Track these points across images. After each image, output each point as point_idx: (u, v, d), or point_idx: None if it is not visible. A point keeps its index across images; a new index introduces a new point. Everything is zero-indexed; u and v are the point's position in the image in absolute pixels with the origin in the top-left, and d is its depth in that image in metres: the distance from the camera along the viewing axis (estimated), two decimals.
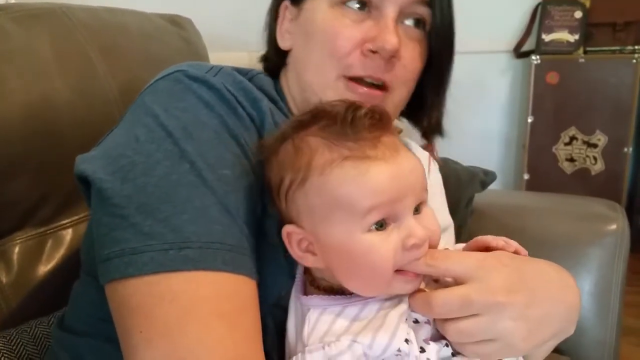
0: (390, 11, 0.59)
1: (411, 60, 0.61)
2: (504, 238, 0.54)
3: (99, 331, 0.55)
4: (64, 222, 0.79)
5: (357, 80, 0.60)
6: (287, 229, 0.50)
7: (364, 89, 0.59)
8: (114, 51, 0.86)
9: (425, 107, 0.68)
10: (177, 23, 1.04)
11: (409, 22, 0.61)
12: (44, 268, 0.75)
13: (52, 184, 0.76)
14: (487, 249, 0.53)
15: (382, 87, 0.60)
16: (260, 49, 0.70)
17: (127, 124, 0.53)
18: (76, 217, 0.80)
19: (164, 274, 0.45)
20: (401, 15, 0.60)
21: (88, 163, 0.51)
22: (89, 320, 0.58)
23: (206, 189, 0.48)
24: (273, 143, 0.51)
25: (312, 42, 0.61)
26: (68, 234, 0.79)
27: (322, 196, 0.47)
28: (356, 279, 0.49)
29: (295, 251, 0.50)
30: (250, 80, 0.59)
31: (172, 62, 0.58)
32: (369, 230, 0.46)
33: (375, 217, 0.46)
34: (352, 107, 0.49)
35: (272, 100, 0.60)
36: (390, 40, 0.57)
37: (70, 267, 0.74)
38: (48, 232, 0.77)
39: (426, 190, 0.50)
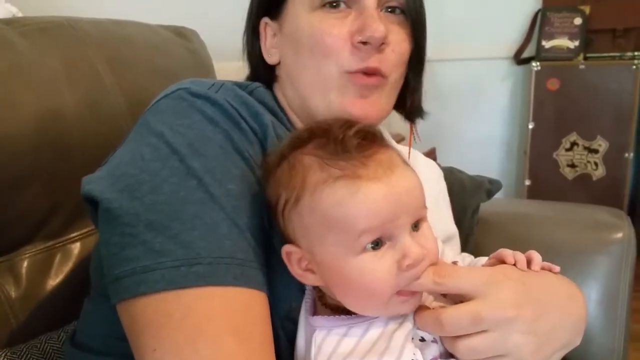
0: (370, 2, 0.60)
1: (399, 43, 0.62)
2: (530, 253, 0.54)
3: (114, 350, 0.55)
4: (73, 235, 0.79)
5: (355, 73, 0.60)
6: (285, 248, 0.50)
7: (362, 78, 0.60)
8: (121, 63, 0.87)
9: (407, 89, 0.68)
10: (183, 35, 1.04)
11: (389, 9, 0.62)
12: (53, 282, 0.75)
13: (61, 197, 0.75)
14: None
15: (377, 74, 0.61)
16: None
17: (132, 143, 0.53)
18: (85, 230, 0.80)
19: (175, 291, 0.45)
20: (380, 5, 0.61)
21: (94, 184, 0.52)
22: (104, 339, 0.58)
23: (214, 204, 0.48)
24: (271, 161, 0.51)
25: (303, 49, 0.61)
26: (77, 248, 0.78)
27: (315, 216, 0.47)
28: (353, 299, 0.49)
29: (295, 270, 0.50)
30: (250, 94, 0.59)
31: (178, 73, 0.58)
32: (364, 251, 0.46)
33: (368, 238, 0.46)
34: (345, 125, 0.49)
35: (272, 113, 0.61)
36: (378, 28, 0.58)
37: (80, 281, 0.74)
38: (57, 245, 0.77)
39: (425, 207, 0.50)
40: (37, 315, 0.72)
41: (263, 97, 0.61)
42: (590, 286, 0.95)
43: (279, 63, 0.66)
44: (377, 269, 0.46)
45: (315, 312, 0.53)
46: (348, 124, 0.49)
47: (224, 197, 0.49)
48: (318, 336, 0.49)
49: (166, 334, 0.44)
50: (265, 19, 0.66)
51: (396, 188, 0.46)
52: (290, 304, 0.54)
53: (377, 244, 0.46)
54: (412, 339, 0.49)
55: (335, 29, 0.59)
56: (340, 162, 0.46)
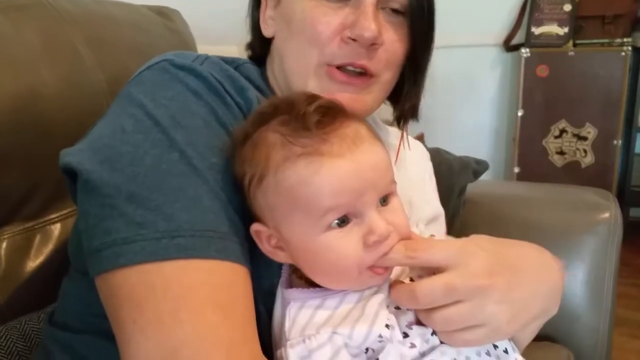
0: None
1: (392, 44, 0.60)
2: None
3: (92, 327, 0.54)
4: (52, 216, 0.77)
5: (339, 67, 0.59)
6: (254, 227, 0.49)
7: (344, 77, 0.59)
8: (102, 43, 0.85)
9: (400, 94, 0.67)
10: (165, 14, 1.03)
11: (390, 8, 0.60)
12: (32, 264, 0.74)
13: (40, 177, 0.74)
14: None
15: (364, 74, 0.59)
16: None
17: (113, 115, 0.52)
18: (65, 212, 0.78)
19: (156, 263, 0.44)
20: (380, 3, 0.59)
21: (73, 155, 0.50)
22: (82, 317, 0.57)
23: (197, 177, 0.47)
24: (236, 137, 0.50)
25: (292, 30, 0.60)
26: (56, 229, 0.77)
27: (279, 195, 0.46)
28: (323, 276, 0.48)
29: (265, 247, 0.50)
30: (236, 69, 0.58)
31: (159, 52, 0.57)
32: (329, 228, 0.46)
33: (333, 216, 0.45)
34: (307, 100, 0.47)
35: (258, 89, 0.59)
36: (369, 27, 0.56)
37: (59, 262, 0.73)
38: (36, 227, 0.75)
39: (394, 182, 0.49)
40: (16, 297, 0.71)
41: (249, 73, 0.60)
42: (576, 266, 0.96)
43: (274, 38, 0.65)
44: (343, 245, 0.46)
45: (290, 286, 0.52)
46: (311, 98, 0.48)
47: (206, 170, 0.48)
48: (292, 309, 0.49)
49: (147, 306, 0.43)
50: None
51: (361, 164, 0.46)
52: (272, 281, 0.53)
53: (343, 221, 0.46)
54: (387, 306, 0.48)
55: (327, 18, 0.58)
56: (302, 139, 0.45)
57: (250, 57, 0.69)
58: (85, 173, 0.48)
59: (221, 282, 0.46)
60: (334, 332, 0.45)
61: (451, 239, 0.68)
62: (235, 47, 0.80)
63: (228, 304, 0.45)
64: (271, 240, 0.49)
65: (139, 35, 0.93)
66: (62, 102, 0.76)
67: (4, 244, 0.72)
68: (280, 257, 0.50)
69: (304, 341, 0.45)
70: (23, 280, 0.73)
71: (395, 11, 0.60)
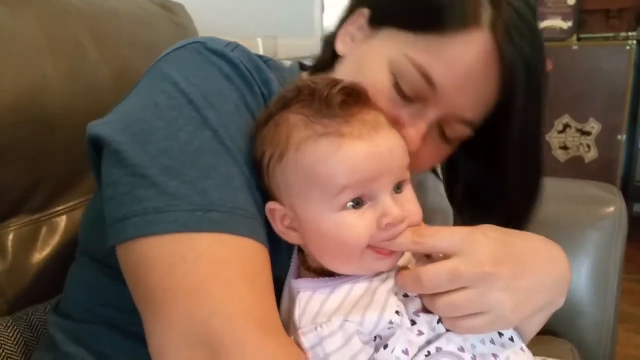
0: (430, 115, 0.57)
1: (430, 158, 0.60)
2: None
3: (98, 316, 0.55)
4: (59, 208, 0.77)
5: None
6: (270, 205, 0.50)
7: None
8: (106, 37, 0.85)
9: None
10: (169, 8, 1.03)
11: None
12: (39, 255, 0.74)
13: (44, 171, 0.74)
14: None
15: None
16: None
17: (144, 90, 0.52)
18: (71, 204, 0.79)
19: (189, 234, 0.44)
20: (442, 121, 0.58)
21: (103, 127, 0.50)
22: (87, 305, 0.57)
23: (229, 157, 0.48)
24: (259, 120, 0.51)
25: (362, 74, 0.57)
26: (62, 221, 0.77)
27: (298, 173, 0.47)
28: (328, 256, 0.49)
29: (278, 227, 0.50)
30: (265, 63, 0.58)
31: (164, 48, 0.57)
32: (344, 209, 0.46)
33: (349, 195, 0.46)
34: (331, 84, 0.48)
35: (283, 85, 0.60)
36: (412, 142, 0.55)
37: (66, 254, 0.73)
38: (42, 219, 0.76)
39: (407, 170, 0.50)
40: (23, 289, 0.72)
41: (277, 67, 0.61)
42: (581, 261, 0.96)
43: (343, 57, 0.63)
44: (355, 224, 0.46)
45: (299, 277, 0.53)
46: (334, 82, 0.48)
47: (237, 152, 0.48)
48: (302, 298, 0.49)
49: (179, 275, 0.43)
50: (365, 11, 0.62)
51: (379, 147, 0.46)
52: (279, 268, 0.53)
53: (358, 203, 0.47)
54: (396, 294, 0.49)
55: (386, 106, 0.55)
56: (324, 120, 0.46)
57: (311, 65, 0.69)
58: (117, 144, 0.48)
59: (250, 258, 0.46)
60: (346, 320, 0.46)
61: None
62: (240, 42, 0.80)
63: (256, 279, 0.46)
64: (285, 221, 0.50)
65: (144, 30, 0.93)
66: (66, 97, 0.76)
67: (11, 236, 0.73)
68: (292, 237, 0.50)
69: (315, 329, 0.46)
70: (30, 272, 0.73)
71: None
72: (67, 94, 0.76)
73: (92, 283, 0.54)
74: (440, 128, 0.59)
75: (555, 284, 0.52)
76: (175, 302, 0.43)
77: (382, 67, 0.56)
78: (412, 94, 0.56)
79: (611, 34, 2.37)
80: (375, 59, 0.57)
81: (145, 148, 0.47)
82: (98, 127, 0.50)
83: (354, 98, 0.48)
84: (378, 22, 0.60)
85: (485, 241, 0.48)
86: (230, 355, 0.41)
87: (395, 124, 0.52)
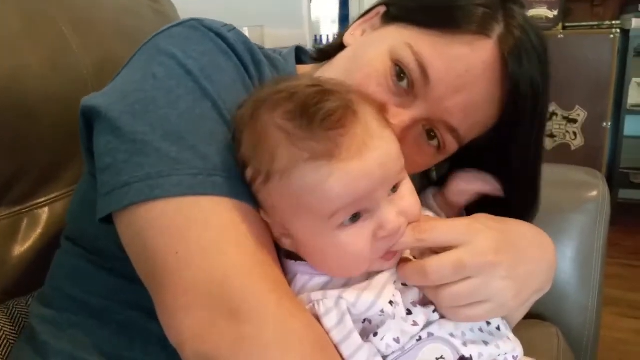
0: (416, 110, 0.54)
1: (415, 160, 0.55)
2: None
3: (78, 305, 0.54)
4: (40, 200, 0.76)
5: None
6: (261, 214, 0.48)
7: None
8: (87, 25, 0.83)
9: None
10: None
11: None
12: (20, 248, 0.73)
13: (25, 161, 0.73)
14: None
15: None
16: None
17: (139, 64, 0.52)
18: (52, 196, 0.77)
19: (194, 197, 0.44)
20: (432, 125, 0.56)
21: (100, 98, 0.49)
22: (69, 293, 0.57)
23: (228, 127, 0.48)
24: (242, 117, 0.48)
25: (352, 68, 0.57)
26: (44, 213, 0.76)
27: (285, 200, 0.45)
28: (330, 270, 0.48)
29: (273, 234, 0.49)
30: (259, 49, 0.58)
31: (146, 35, 0.55)
32: (340, 227, 0.45)
33: (343, 216, 0.44)
34: (317, 97, 0.44)
35: (277, 70, 0.60)
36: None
37: (48, 246, 0.72)
38: (23, 211, 0.74)
39: (403, 170, 0.48)
40: (3, 281, 0.71)
41: (269, 55, 0.61)
42: (565, 244, 0.96)
43: (347, 48, 0.62)
44: (354, 242, 0.45)
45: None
46: (320, 96, 0.44)
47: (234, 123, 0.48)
48: (299, 281, 0.49)
49: (190, 237, 0.43)
50: (381, 9, 0.62)
51: (370, 165, 0.43)
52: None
53: (354, 217, 0.45)
54: (394, 282, 0.49)
55: (380, 94, 0.54)
56: (309, 142, 0.42)
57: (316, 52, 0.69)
58: (115, 113, 0.47)
59: (253, 221, 0.46)
60: (340, 297, 0.45)
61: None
62: None
63: (261, 239, 0.46)
64: (275, 229, 0.48)
65: (125, 18, 0.91)
66: (46, 85, 0.74)
67: None
68: (286, 244, 0.49)
69: (313, 307, 0.46)
70: (11, 265, 0.72)
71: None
72: (48, 81, 0.75)
73: (75, 270, 0.53)
74: (428, 132, 0.56)
75: (547, 270, 0.53)
76: (189, 264, 0.42)
77: (381, 53, 0.55)
78: (404, 84, 0.54)
79: (595, 23, 2.38)
80: (377, 46, 0.57)
81: (144, 116, 0.46)
82: (93, 100, 0.50)
83: (340, 112, 0.43)
84: (391, 17, 0.59)
85: (485, 231, 0.48)
86: (250, 315, 0.41)
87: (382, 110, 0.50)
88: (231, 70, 0.51)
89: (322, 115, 0.42)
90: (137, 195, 0.44)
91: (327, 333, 0.45)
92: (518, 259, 0.49)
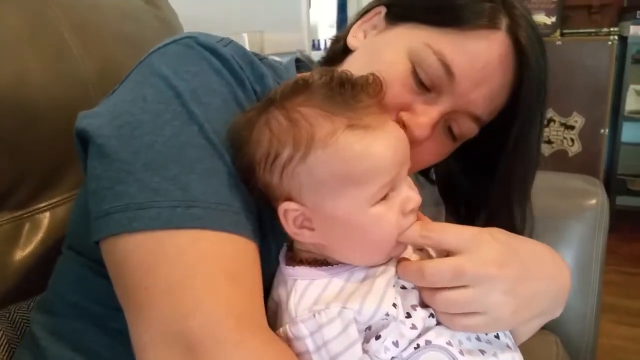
0: (443, 105, 0.57)
1: (432, 153, 0.61)
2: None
3: (80, 313, 0.54)
4: (41, 205, 0.76)
5: None
6: (284, 206, 0.48)
7: None
8: (88, 30, 0.84)
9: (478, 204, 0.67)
10: (153, 3, 1.01)
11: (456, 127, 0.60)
12: (22, 253, 0.73)
13: (27, 166, 0.73)
14: None
15: None
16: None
17: (133, 83, 0.52)
18: (54, 200, 0.77)
19: (170, 231, 0.44)
20: (451, 116, 0.59)
21: (92, 118, 0.50)
22: (71, 300, 0.57)
23: (214, 151, 0.48)
24: (251, 118, 0.49)
25: (371, 71, 0.57)
26: (46, 218, 0.76)
27: (330, 171, 0.46)
28: (359, 251, 0.49)
29: (290, 228, 0.49)
30: (260, 60, 0.58)
31: (147, 42, 0.56)
32: (376, 203, 0.47)
33: (386, 188, 0.47)
34: (339, 77, 0.48)
35: (279, 78, 0.60)
36: (422, 128, 0.56)
37: (49, 251, 0.72)
38: (25, 215, 0.74)
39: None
40: (5, 287, 0.71)
41: (272, 65, 0.61)
42: (563, 252, 0.96)
43: (354, 51, 0.64)
44: (389, 216, 0.47)
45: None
46: (341, 76, 0.49)
47: (223, 147, 0.48)
48: (299, 286, 0.49)
49: (160, 273, 0.43)
50: (382, 8, 0.64)
51: (398, 137, 0.48)
52: (267, 265, 0.53)
53: (384, 195, 0.47)
54: (394, 286, 0.49)
55: (398, 98, 0.57)
56: (346, 112, 0.46)
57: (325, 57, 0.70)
58: (103, 138, 0.48)
59: (233, 254, 0.46)
60: (344, 307, 0.46)
61: None
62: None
63: (239, 275, 0.46)
64: (297, 220, 0.49)
65: (127, 24, 0.92)
66: (48, 90, 0.75)
67: None
68: (306, 237, 0.49)
69: (314, 316, 0.46)
70: (12, 269, 0.72)
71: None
72: (50, 86, 0.75)
73: (77, 277, 0.53)
74: (446, 124, 0.59)
75: (556, 293, 0.52)
76: (155, 300, 0.43)
77: (400, 54, 0.57)
78: (429, 82, 0.56)
79: (593, 29, 2.40)
80: (393, 48, 0.58)
81: (130, 142, 0.46)
82: (87, 119, 0.50)
83: (359, 89, 0.48)
84: (396, 17, 0.61)
85: (492, 242, 0.48)
86: (206, 353, 0.41)
87: (406, 109, 0.55)
88: (223, 90, 0.51)
89: (356, 87, 0.47)
90: (116, 226, 0.45)
91: (324, 345, 0.45)
92: (523, 277, 0.48)
